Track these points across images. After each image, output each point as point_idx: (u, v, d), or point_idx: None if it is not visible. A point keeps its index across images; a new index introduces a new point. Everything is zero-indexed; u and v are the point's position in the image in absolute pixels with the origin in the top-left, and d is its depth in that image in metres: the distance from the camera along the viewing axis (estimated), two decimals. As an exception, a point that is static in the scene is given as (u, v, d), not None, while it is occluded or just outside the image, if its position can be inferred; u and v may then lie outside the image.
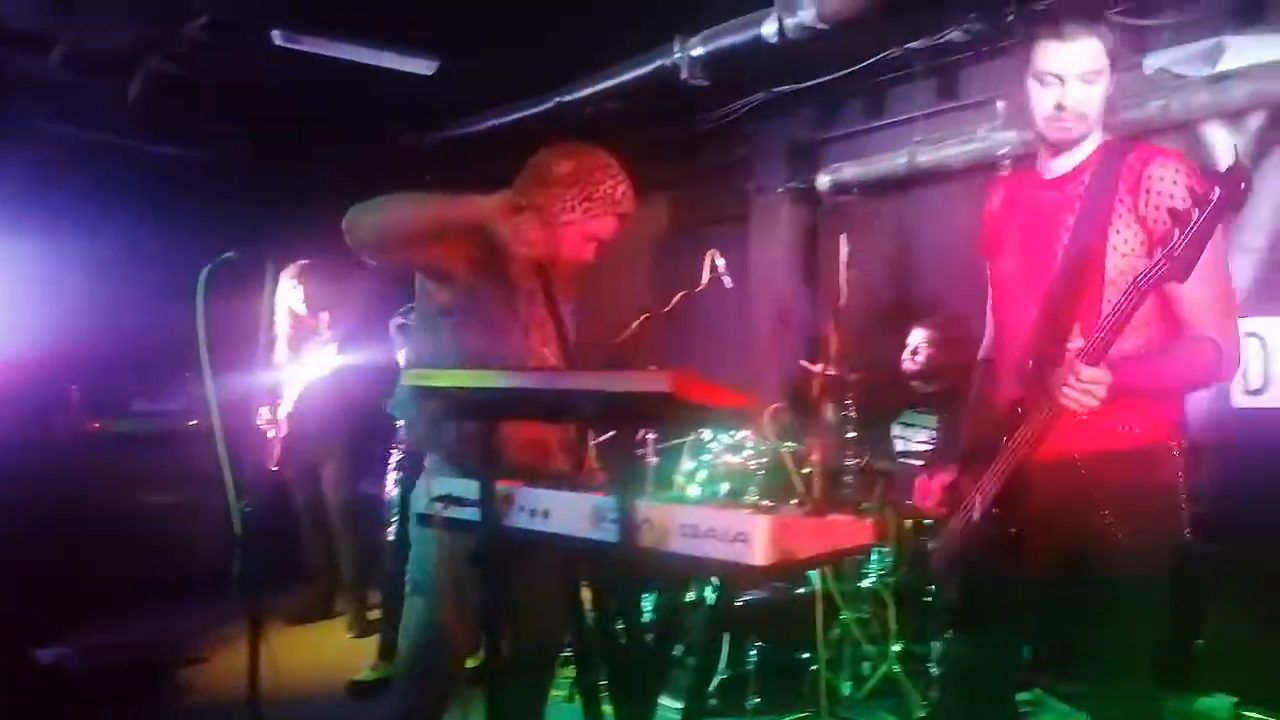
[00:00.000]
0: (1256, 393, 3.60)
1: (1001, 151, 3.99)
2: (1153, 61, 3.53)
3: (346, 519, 4.56)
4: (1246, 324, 3.59)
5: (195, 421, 5.02)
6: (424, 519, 1.78)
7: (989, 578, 1.98)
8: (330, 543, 4.65)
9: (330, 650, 4.33)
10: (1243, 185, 1.57)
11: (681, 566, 1.48)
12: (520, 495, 1.66)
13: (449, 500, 1.71)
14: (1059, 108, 1.82)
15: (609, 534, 1.52)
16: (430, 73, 4.34)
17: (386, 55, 4.15)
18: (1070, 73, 1.81)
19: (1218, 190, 1.54)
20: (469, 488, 1.70)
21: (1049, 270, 1.90)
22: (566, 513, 1.60)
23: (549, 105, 4.67)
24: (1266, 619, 3.30)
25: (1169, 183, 1.76)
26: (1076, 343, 1.80)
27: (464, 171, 5.89)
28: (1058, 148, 1.91)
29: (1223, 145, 3.59)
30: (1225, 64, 3.39)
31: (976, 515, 1.94)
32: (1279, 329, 3.54)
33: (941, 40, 3.96)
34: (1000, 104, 4.03)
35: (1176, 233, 1.58)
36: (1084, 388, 1.67)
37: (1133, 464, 1.85)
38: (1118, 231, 1.82)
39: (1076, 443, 1.85)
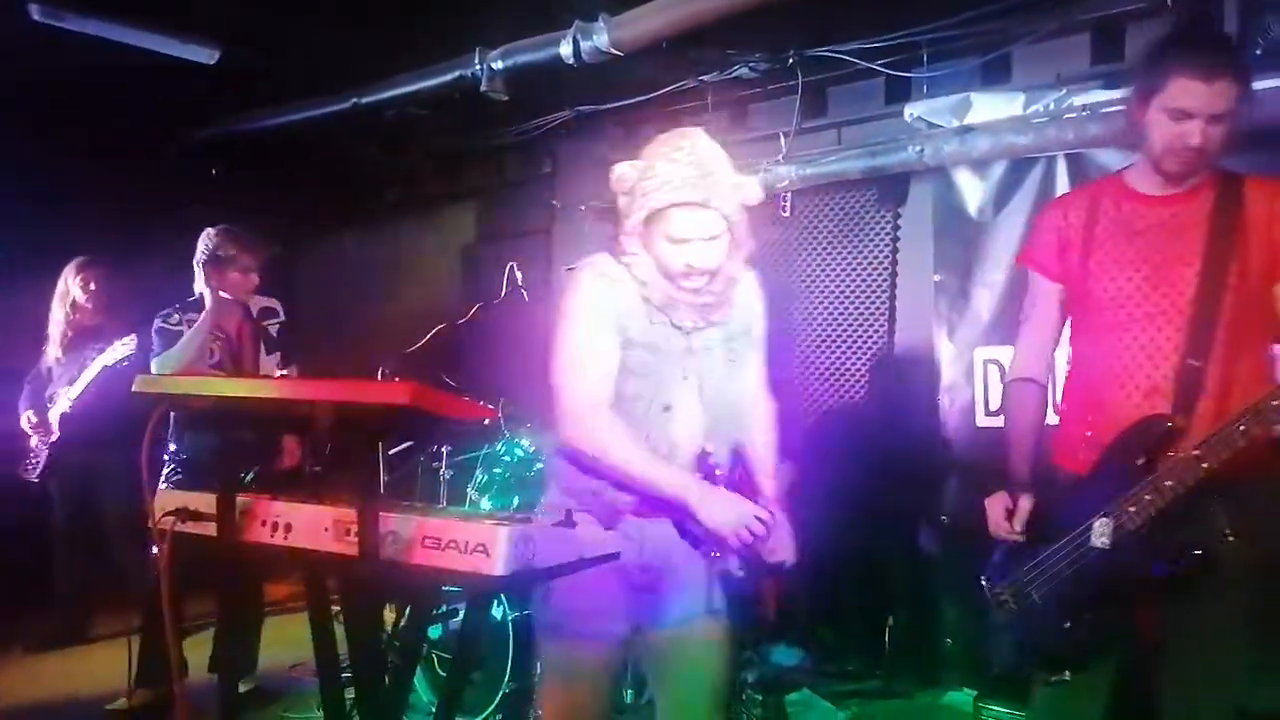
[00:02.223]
0: (995, 414, 4.00)
1: (782, 184, 4.25)
2: (911, 110, 3.87)
3: (129, 533, 4.19)
4: (986, 352, 4.01)
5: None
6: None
7: (1129, 606, 1.89)
8: (91, 560, 4.27)
9: (84, 678, 3.97)
10: None
11: (424, 578, 1.48)
12: (261, 509, 1.60)
13: (183, 515, 1.63)
14: (1187, 144, 1.83)
15: (351, 547, 1.49)
16: (213, 62, 4.10)
17: (163, 40, 3.88)
18: (1205, 112, 1.81)
19: None
20: (205, 501, 1.62)
21: (1179, 288, 1.89)
22: (309, 526, 1.56)
23: (345, 105, 4.53)
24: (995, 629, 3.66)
25: None
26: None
27: (255, 167, 5.64)
28: (1169, 173, 1.92)
29: (970, 189, 4.00)
30: (971, 117, 3.77)
31: (1106, 541, 1.83)
32: (1015, 356, 3.95)
33: (730, 75, 4.18)
34: (783, 139, 4.31)
35: None
36: None
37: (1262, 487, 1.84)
38: (1249, 253, 1.86)
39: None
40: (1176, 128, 1.83)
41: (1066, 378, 2.21)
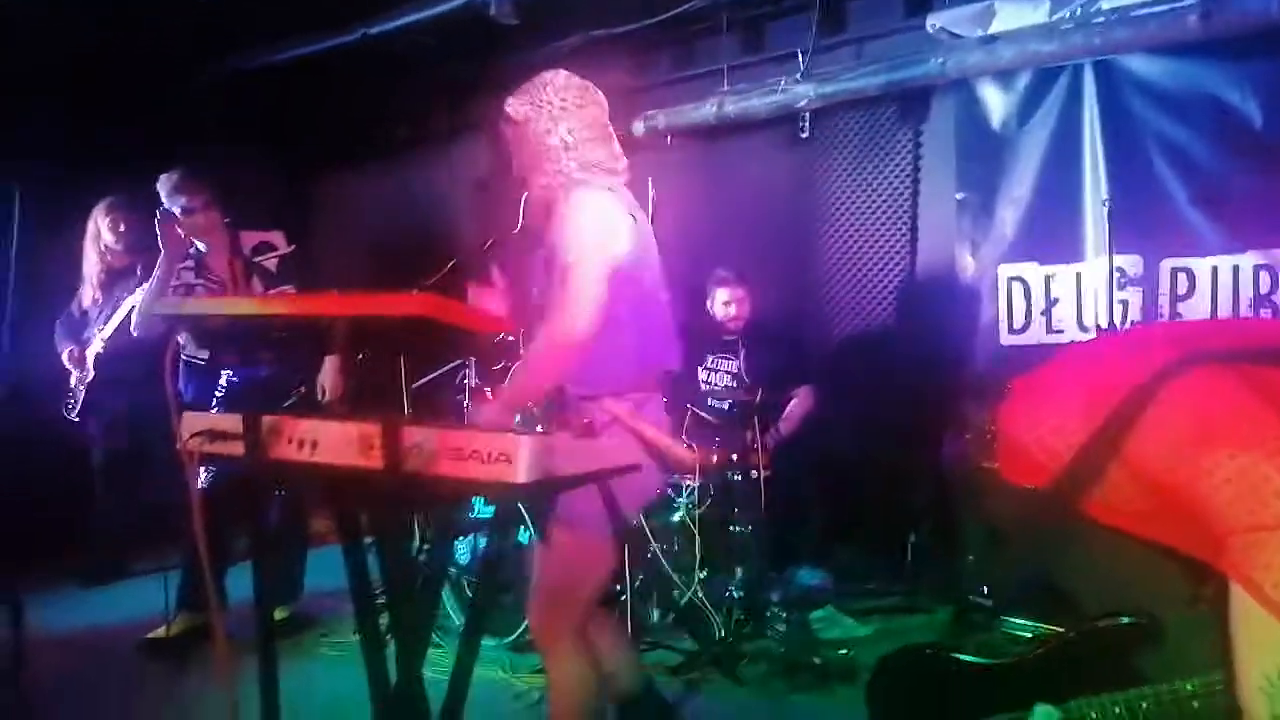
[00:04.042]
0: (1020, 331, 3.97)
1: (800, 104, 4.16)
2: (934, 20, 3.76)
3: (166, 468, 4.29)
4: (1010, 269, 3.96)
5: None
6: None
7: None
8: (130, 497, 4.39)
9: (128, 610, 4.09)
10: None
11: (447, 489, 1.50)
12: (287, 426, 1.62)
13: (211, 435, 1.65)
14: None
15: (375, 460, 1.51)
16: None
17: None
18: None
19: None
20: (232, 421, 1.64)
21: None
22: (334, 442, 1.57)
23: (354, 37, 4.47)
24: (1020, 536, 3.68)
25: None
26: None
27: (262, 105, 5.59)
28: None
29: (994, 102, 3.90)
30: (995, 26, 3.66)
31: None
32: (1039, 273, 3.91)
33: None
34: (800, 57, 4.20)
35: None
36: None
37: None
38: None
39: None
40: None
41: None
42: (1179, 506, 1.41)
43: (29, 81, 4.52)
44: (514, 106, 2.19)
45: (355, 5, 4.40)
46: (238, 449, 1.64)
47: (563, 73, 2.23)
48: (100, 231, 4.16)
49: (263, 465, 1.61)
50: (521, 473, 1.41)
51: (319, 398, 3.65)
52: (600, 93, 2.27)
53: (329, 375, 3.63)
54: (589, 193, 2.12)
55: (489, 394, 2.12)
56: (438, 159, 6.08)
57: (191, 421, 1.69)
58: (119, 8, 4.19)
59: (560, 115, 2.16)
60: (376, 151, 6.25)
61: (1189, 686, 1.52)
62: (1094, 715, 1.60)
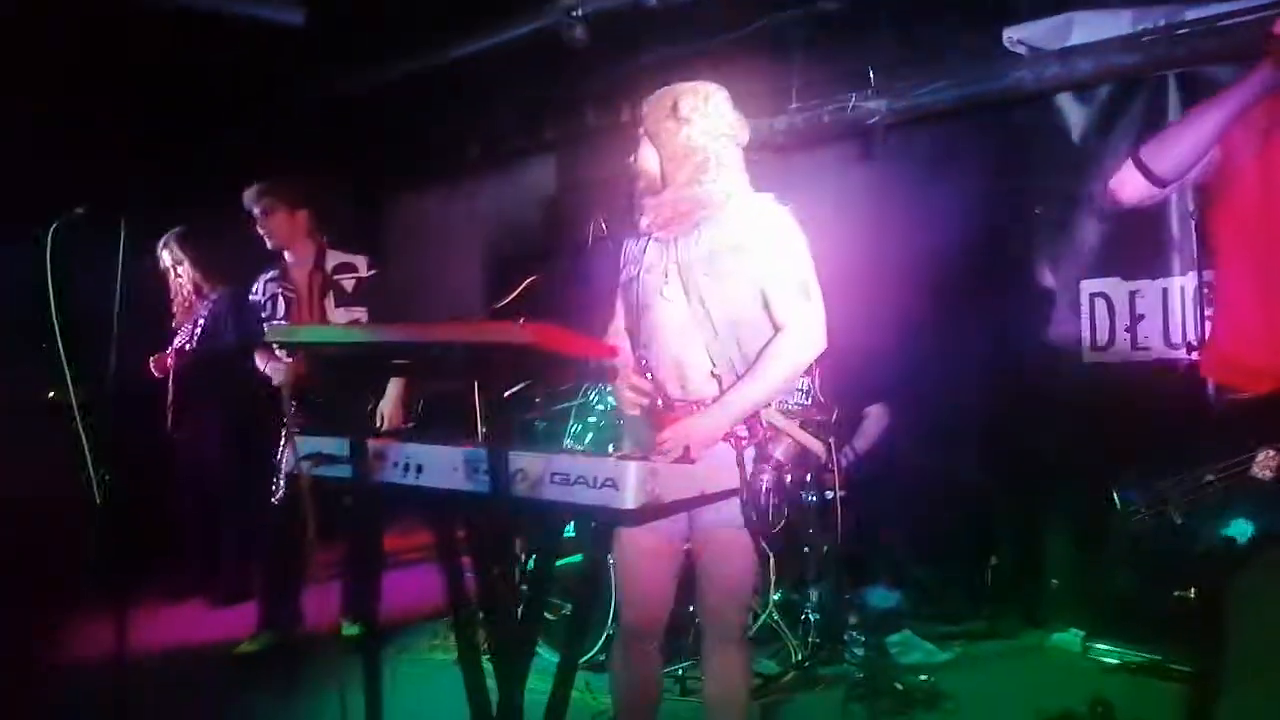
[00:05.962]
0: (1103, 348, 3.87)
1: (873, 119, 4.12)
2: (1010, 34, 3.71)
3: (232, 489, 4.42)
4: (1092, 285, 3.87)
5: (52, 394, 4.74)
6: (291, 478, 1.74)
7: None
8: (212, 515, 4.51)
9: (216, 624, 4.19)
10: None
11: (554, 514, 1.51)
12: (392, 451, 1.66)
13: (319, 458, 1.69)
14: None
15: (482, 485, 1.54)
16: (299, 22, 4.14)
17: (250, 4, 3.95)
18: None
19: None
20: (340, 445, 1.68)
21: None
22: (440, 466, 1.60)
23: (427, 63, 4.56)
24: (1111, 560, 3.57)
25: None
26: None
27: (348, 127, 5.73)
28: None
29: (1073, 115, 3.83)
30: (1074, 38, 3.59)
31: (1270, 474, 1.74)
32: (1123, 289, 3.81)
33: (815, 8, 4.06)
34: (872, 73, 4.17)
35: None
36: None
37: None
38: None
39: None
40: None
41: (1230, 296, 1.97)
42: None
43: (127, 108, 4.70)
44: (687, 102, 2.08)
45: (429, 31, 4.49)
46: (345, 472, 1.68)
47: (721, 91, 2.16)
48: (166, 262, 4.36)
49: (370, 488, 1.64)
50: (629, 499, 1.43)
51: (378, 425, 3.65)
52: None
53: (390, 404, 3.66)
54: (783, 207, 2.19)
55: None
56: (508, 179, 6.17)
57: (299, 444, 1.73)
58: (196, 36, 4.33)
59: (729, 131, 2.14)
60: (448, 173, 6.36)
61: None
62: None
